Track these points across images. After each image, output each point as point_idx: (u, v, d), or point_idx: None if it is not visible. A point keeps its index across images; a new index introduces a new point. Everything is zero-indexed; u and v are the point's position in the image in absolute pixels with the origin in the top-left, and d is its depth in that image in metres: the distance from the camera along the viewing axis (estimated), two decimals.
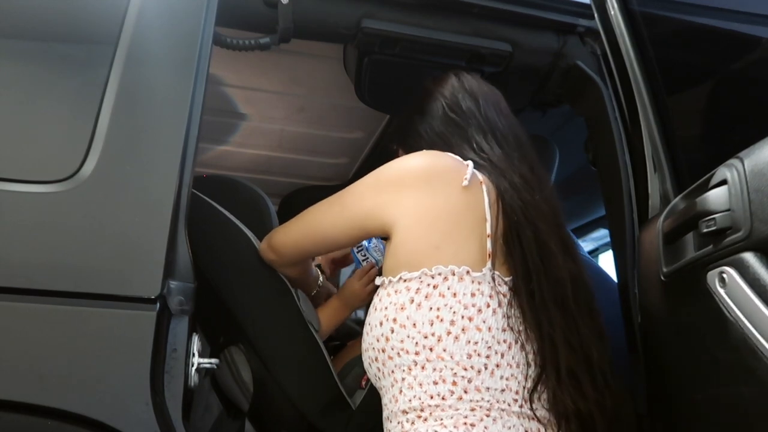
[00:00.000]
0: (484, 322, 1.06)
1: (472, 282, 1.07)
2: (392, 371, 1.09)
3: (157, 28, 1.18)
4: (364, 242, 1.62)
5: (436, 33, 1.53)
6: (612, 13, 1.37)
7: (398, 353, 1.08)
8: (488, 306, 1.07)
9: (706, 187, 1.06)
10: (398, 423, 1.08)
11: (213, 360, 1.13)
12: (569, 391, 1.08)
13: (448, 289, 1.07)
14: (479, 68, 1.62)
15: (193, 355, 1.09)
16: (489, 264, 1.09)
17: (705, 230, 1.03)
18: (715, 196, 1.02)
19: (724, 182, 1.02)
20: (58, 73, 1.13)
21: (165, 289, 1.04)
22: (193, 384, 1.08)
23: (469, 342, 1.05)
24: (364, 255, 1.62)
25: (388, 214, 1.14)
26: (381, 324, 1.10)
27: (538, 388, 1.08)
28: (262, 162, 2.45)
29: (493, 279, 1.09)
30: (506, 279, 1.11)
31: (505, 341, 1.07)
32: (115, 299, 1.02)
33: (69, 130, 1.10)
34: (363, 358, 1.18)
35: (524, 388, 1.07)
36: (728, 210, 0.99)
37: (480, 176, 1.16)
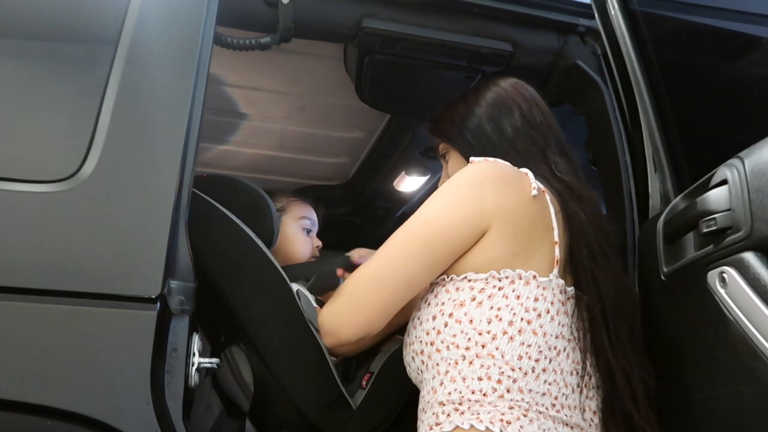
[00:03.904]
0: (541, 327, 1.08)
1: (537, 287, 1.09)
2: (437, 364, 1.11)
3: (158, 28, 1.18)
4: None
5: (437, 33, 1.53)
6: (612, 13, 1.37)
7: (447, 347, 1.09)
8: (548, 312, 1.09)
9: (706, 187, 1.07)
10: (433, 414, 1.09)
11: (214, 359, 1.13)
12: (620, 404, 1.11)
13: (513, 291, 1.08)
14: (480, 68, 1.62)
15: (194, 354, 1.09)
16: (555, 271, 1.11)
17: (705, 230, 1.03)
18: (716, 196, 1.02)
19: (724, 182, 1.02)
20: (58, 73, 1.13)
21: (165, 288, 1.04)
22: (193, 384, 1.08)
23: (523, 344, 1.07)
24: None
25: (486, 215, 1.11)
26: (434, 318, 1.11)
27: (582, 394, 1.10)
28: (263, 161, 2.45)
29: (558, 286, 1.11)
30: (568, 288, 1.13)
31: (555, 348, 1.09)
32: (116, 299, 1.02)
33: (69, 130, 1.10)
34: (405, 353, 1.19)
35: (563, 394, 1.09)
36: (729, 210, 0.99)
37: (540, 185, 1.17)
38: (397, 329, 1.48)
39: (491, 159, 1.19)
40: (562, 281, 1.12)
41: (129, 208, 1.07)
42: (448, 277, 1.13)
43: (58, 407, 0.97)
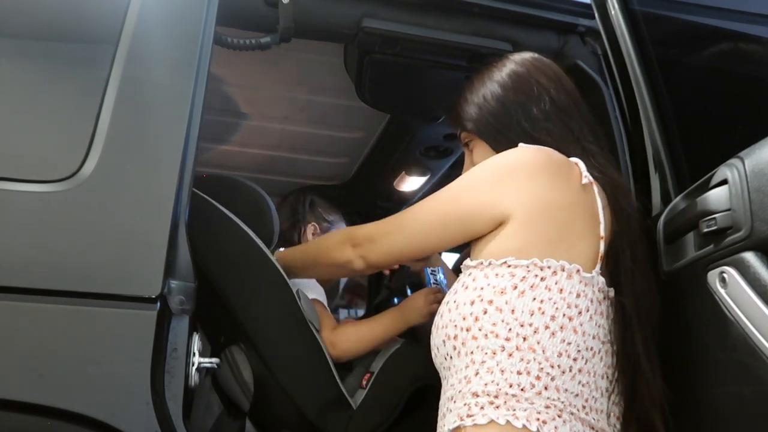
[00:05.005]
0: (581, 325, 1.05)
1: (580, 282, 1.06)
2: (471, 352, 1.07)
3: (158, 28, 1.18)
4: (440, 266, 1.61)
5: (437, 33, 1.53)
6: (612, 12, 1.37)
7: (486, 335, 1.05)
8: (587, 310, 1.06)
9: (706, 187, 1.07)
10: (465, 405, 1.05)
11: (214, 359, 1.14)
12: (643, 413, 1.09)
13: (556, 284, 1.05)
14: (479, 68, 1.62)
15: (194, 354, 1.09)
16: (598, 267, 1.08)
17: (705, 230, 1.03)
18: (716, 196, 1.02)
19: (724, 182, 1.02)
20: (58, 73, 1.13)
21: (165, 288, 1.04)
22: (193, 383, 1.08)
23: (563, 341, 1.04)
24: (435, 278, 1.59)
25: (505, 204, 1.10)
26: (472, 303, 1.07)
27: (610, 400, 1.08)
28: (263, 161, 2.46)
29: (599, 284, 1.08)
30: (608, 288, 1.10)
31: (591, 348, 1.06)
32: (116, 299, 1.02)
33: (70, 130, 1.10)
34: (434, 336, 1.15)
35: (593, 397, 1.06)
36: (729, 210, 0.99)
37: (590, 177, 1.15)
38: None
39: (542, 147, 1.16)
40: (603, 279, 1.09)
41: (129, 208, 1.07)
42: (486, 261, 1.09)
43: (58, 407, 0.97)
